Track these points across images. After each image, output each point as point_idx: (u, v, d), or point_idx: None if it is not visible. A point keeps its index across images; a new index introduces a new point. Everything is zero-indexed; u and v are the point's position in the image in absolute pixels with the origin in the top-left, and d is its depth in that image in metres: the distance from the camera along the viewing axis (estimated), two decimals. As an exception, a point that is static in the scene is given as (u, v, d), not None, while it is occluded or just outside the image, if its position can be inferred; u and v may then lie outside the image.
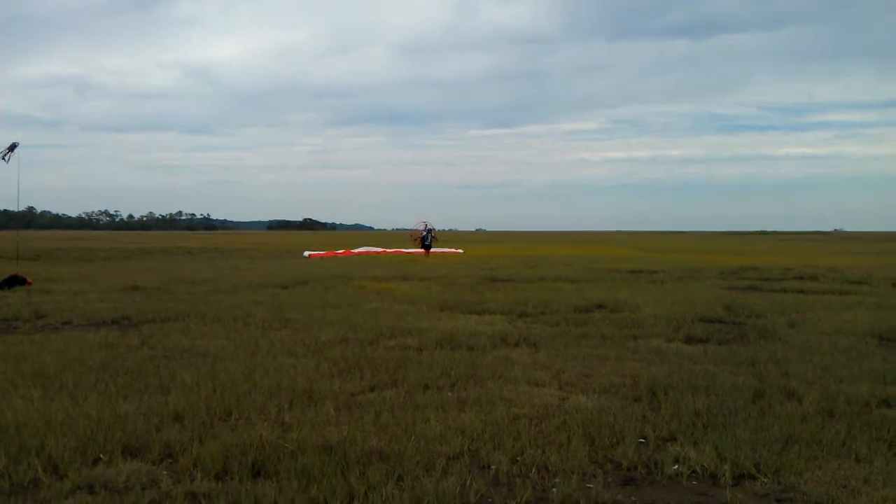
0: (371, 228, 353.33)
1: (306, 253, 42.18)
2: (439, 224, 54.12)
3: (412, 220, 54.22)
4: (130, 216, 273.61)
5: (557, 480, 4.89)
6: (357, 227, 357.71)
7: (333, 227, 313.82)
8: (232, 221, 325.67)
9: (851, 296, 17.46)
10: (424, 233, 44.89)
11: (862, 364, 8.74)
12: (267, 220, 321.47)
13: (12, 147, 19.01)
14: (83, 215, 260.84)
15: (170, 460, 5.29)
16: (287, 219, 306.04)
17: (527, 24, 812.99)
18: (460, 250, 49.74)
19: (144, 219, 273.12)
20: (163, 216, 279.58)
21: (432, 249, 43.78)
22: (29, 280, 19.18)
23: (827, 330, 11.52)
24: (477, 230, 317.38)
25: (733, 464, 5.16)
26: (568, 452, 5.40)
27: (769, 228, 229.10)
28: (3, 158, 18.69)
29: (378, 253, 45.61)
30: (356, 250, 47.07)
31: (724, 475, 5.01)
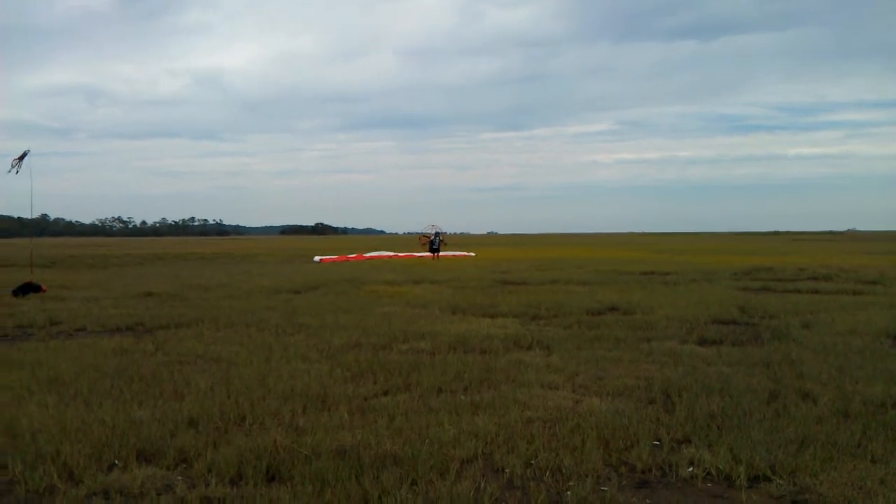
0: (382, 232, 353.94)
1: (317, 258, 42.28)
2: (450, 227, 54.21)
3: (423, 224, 54.28)
4: (143, 222, 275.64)
5: (572, 483, 4.89)
6: (368, 232, 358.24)
7: (345, 231, 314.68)
8: (244, 227, 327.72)
9: (865, 296, 17.33)
10: (433, 236, 44.92)
11: (877, 364, 8.67)
12: (279, 225, 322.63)
13: (23, 156, 19.21)
14: (96, 222, 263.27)
15: (184, 466, 5.32)
16: (299, 223, 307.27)
17: (532, 27, 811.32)
18: (472, 253, 49.73)
19: (157, 225, 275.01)
20: (175, 222, 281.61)
21: (441, 253, 43.79)
22: (43, 287, 19.32)
23: (841, 330, 11.43)
24: (488, 233, 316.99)
25: (748, 465, 5.14)
26: (582, 455, 5.39)
27: (782, 229, 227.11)
28: (15, 169, 18.91)
29: (389, 257, 45.65)
30: (367, 255, 47.15)
31: (739, 477, 4.99)
